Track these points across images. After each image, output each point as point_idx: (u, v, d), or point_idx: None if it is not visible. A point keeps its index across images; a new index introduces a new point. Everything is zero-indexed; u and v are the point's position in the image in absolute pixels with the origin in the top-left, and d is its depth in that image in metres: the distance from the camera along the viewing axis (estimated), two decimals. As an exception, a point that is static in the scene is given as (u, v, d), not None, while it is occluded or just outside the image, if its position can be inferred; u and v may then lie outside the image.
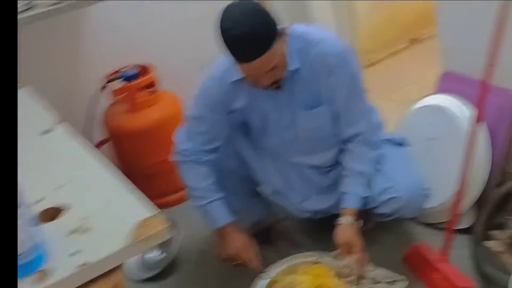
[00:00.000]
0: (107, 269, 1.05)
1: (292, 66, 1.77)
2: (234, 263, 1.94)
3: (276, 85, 1.79)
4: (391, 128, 2.31)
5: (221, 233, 1.98)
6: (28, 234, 0.98)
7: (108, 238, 1.08)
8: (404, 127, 2.31)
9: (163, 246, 2.33)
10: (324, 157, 2.03)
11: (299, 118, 1.91)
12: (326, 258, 1.83)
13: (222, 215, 1.97)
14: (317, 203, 2.10)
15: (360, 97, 1.89)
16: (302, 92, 1.85)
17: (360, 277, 1.76)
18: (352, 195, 1.88)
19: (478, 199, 2.04)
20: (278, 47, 1.66)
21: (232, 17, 1.60)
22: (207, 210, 1.97)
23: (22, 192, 0.98)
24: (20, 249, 0.97)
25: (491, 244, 1.86)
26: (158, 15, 2.82)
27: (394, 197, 1.89)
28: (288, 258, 1.89)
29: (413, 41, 3.79)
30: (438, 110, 2.17)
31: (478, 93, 1.76)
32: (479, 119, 1.76)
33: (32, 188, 1.16)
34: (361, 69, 3.29)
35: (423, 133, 2.21)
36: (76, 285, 1.02)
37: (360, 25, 3.33)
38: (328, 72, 1.79)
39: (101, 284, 1.05)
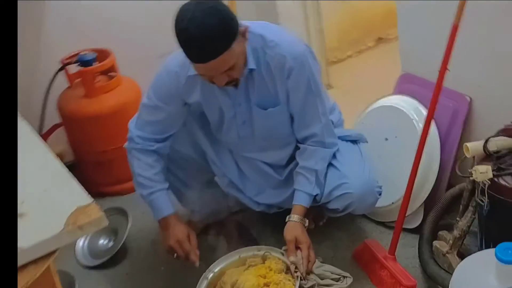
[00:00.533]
0: (39, 255, 1.03)
1: (249, 65, 1.75)
2: (175, 256, 1.92)
3: (233, 83, 1.75)
4: (350, 126, 2.32)
5: (163, 223, 1.96)
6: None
7: (42, 224, 1.06)
8: (362, 125, 2.33)
9: (111, 234, 2.32)
10: (279, 155, 2.04)
11: (255, 116, 1.89)
12: (274, 253, 1.84)
13: (164, 206, 1.96)
14: (271, 197, 2.11)
15: (316, 99, 1.85)
16: (258, 92, 1.83)
17: (307, 273, 1.77)
18: (302, 192, 1.89)
19: (428, 200, 2.07)
20: (237, 47, 1.61)
21: (189, 16, 1.53)
22: (151, 200, 1.96)
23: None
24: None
25: (437, 244, 1.88)
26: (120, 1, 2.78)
27: (346, 193, 1.90)
28: (238, 251, 1.89)
29: (380, 40, 3.81)
30: (394, 110, 2.20)
31: (431, 95, 1.77)
32: (429, 120, 1.78)
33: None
34: (326, 66, 3.36)
35: (379, 132, 2.23)
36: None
37: (327, 22, 3.33)
38: (286, 74, 1.78)
39: (33, 270, 1.03)
